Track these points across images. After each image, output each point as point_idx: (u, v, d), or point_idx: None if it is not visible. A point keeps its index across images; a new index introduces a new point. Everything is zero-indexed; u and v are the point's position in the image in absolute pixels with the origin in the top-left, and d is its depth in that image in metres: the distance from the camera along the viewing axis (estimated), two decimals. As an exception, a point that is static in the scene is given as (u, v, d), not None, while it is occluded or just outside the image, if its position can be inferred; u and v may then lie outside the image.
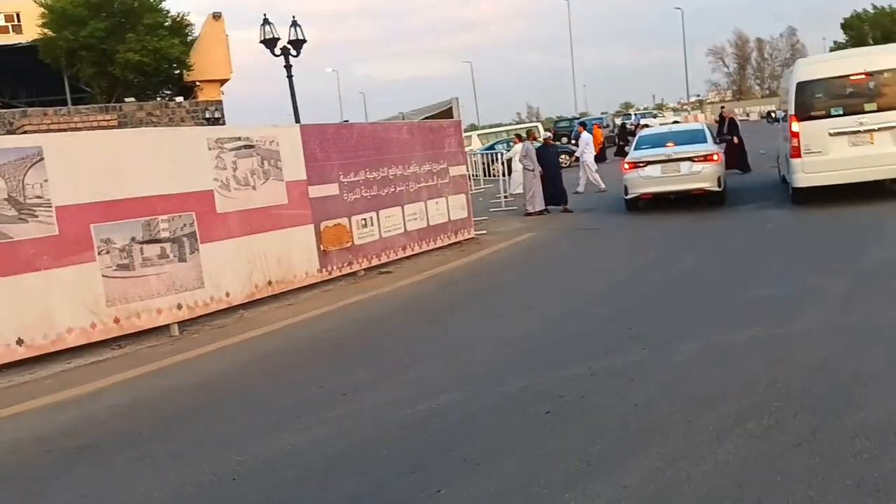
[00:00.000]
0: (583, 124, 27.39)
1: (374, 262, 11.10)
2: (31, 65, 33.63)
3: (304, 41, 16.05)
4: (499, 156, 21.49)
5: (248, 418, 5.38)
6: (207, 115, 28.68)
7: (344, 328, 8.13)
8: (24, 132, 26.40)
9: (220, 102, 30.82)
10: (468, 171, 15.26)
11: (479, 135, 40.94)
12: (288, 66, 15.85)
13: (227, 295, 8.78)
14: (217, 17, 31.68)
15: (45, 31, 29.21)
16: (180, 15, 30.96)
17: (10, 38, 34.92)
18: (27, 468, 4.88)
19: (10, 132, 26.87)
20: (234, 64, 32.82)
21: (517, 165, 18.14)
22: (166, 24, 29.92)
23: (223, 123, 30.21)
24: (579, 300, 8.13)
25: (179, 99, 34.86)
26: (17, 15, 33.86)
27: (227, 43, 32.82)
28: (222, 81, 34.08)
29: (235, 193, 8.97)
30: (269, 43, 16.22)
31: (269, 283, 9.34)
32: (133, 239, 7.90)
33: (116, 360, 7.46)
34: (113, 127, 28.28)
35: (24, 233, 7.13)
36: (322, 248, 10.11)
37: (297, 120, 16.46)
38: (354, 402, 5.44)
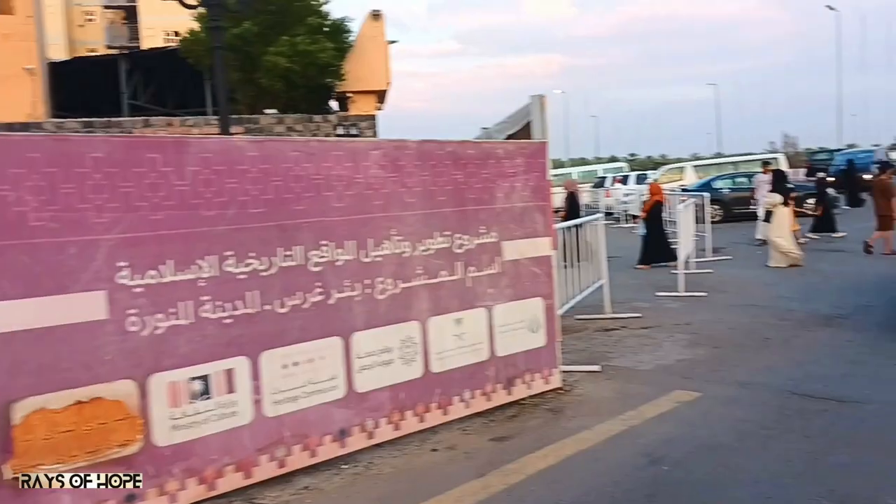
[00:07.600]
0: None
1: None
2: (181, 71, 30.72)
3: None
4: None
5: None
6: (341, 131, 23.43)
7: None
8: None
9: (371, 118, 25.32)
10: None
11: (695, 166, 31.04)
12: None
13: None
14: (376, 16, 26.78)
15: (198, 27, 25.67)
16: (342, 19, 26.72)
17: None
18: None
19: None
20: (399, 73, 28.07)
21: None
22: (325, 27, 25.49)
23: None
24: None
25: (335, 108, 29.85)
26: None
27: (387, 49, 27.43)
28: (379, 94, 28.59)
29: None
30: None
31: None
32: None
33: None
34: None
35: None
36: None
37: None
38: None
